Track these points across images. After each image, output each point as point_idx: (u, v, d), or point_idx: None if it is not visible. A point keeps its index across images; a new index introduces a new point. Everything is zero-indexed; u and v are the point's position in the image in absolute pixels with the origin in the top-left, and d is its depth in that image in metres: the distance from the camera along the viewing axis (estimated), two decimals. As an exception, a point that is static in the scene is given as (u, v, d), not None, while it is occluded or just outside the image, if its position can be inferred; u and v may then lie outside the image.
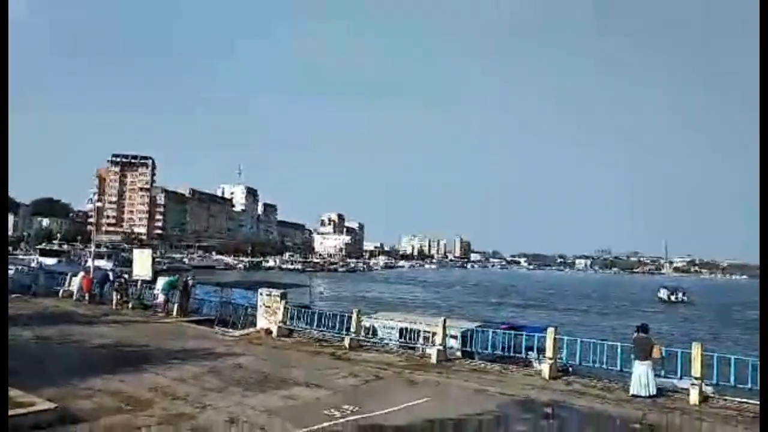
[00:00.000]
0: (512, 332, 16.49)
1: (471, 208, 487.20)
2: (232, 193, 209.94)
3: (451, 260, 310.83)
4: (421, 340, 17.98)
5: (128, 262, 36.74)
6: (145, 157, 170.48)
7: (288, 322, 19.20)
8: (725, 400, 12.31)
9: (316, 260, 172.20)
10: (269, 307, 19.77)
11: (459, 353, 16.78)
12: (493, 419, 9.87)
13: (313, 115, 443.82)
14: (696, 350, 12.26)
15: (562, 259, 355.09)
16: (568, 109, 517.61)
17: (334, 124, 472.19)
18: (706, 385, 12.58)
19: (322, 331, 18.64)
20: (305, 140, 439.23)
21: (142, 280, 26.11)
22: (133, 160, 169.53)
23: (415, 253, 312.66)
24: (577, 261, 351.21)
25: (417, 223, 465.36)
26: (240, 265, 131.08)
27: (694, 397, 11.94)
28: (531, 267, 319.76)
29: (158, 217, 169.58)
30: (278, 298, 19.62)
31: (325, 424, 8.89)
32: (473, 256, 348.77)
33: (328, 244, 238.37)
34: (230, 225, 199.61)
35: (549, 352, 14.14)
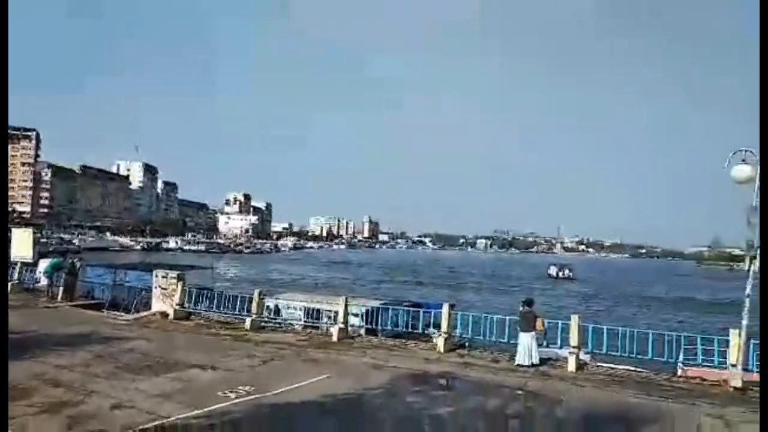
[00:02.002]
0: (413, 309, 17.12)
1: (379, 190, 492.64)
2: (128, 170, 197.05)
3: (360, 241, 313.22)
4: (324, 319, 18.17)
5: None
6: (28, 130, 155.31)
7: (186, 305, 18.60)
8: (598, 366, 13.63)
9: (220, 241, 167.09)
10: (165, 289, 19.01)
11: (362, 331, 17.16)
12: (388, 392, 10.23)
13: (217, 93, 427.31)
14: (574, 322, 13.40)
15: (464, 239, 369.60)
16: (469, 93, 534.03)
17: (240, 103, 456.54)
18: (585, 353, 13.85)
19: (222, 313, 18.26)
20: (209, 118, 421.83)
21: (23, 262, 24.03)
22: (14, 132, 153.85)
23: (324, 233, 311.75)
24: (478, 241, 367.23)
25: (326, 203, 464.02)
26: (137, 246, 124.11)
27: (571, 364, 13.07)
28: (435, 247, 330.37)
29: (44, 194, 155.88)
30: (175, 280, 18.91)
31: (219, 406, 8.77)
32: (381, 237, 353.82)
33: (233, 224, 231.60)
34: (127, 204, 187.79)
35: (444, 327, 14.83)
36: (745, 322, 11.92)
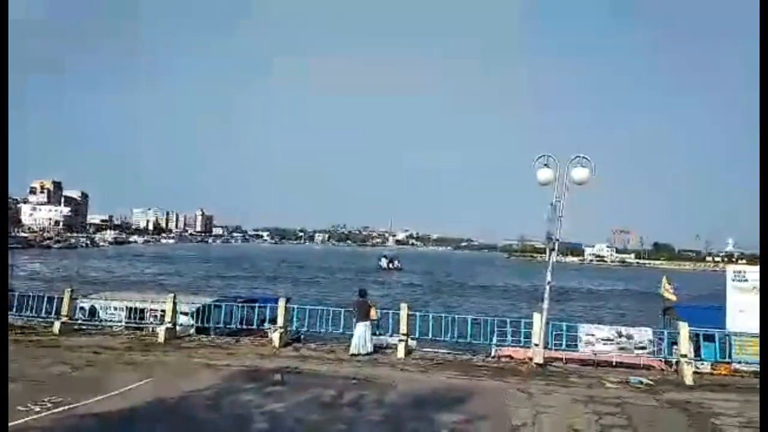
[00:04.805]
0: (248, 305, 16.72)
1: (213, 182, 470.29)
2: None
3: (191, 234, 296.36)
4: (150, 320, 16.94)
5: None
6: None
7: (-25, 309, 15.97)
8: (423, 351, 14.64)
9: (23, 234, 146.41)
10: (-54, 292, 16.13)
11: (193, 330, 16.33)
12: (217, 392, 9.83)
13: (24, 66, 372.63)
14: (403, 311, 14.20)
15: (303, 233, 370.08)
16: (308, 84, 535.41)
17: (47, 77, 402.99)
18: (412, 339, 14.73)
19: (23, 316, 16.06)
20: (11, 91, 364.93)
21: None
22: None
23: (151, 227, 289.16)
24: (316, 235, 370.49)
25: (153, 195, 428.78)
26: None
27: (401, 351, 13.86)
28: (273, 241, 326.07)
29: None
30: (-40, 281, 16.12)
31: (19, 422, 7.67)
32: (216, 231, 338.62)
33: (40, 215, 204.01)
34: None
35: (280, 322, 14.73)
36: (545, 306, 13.66)
